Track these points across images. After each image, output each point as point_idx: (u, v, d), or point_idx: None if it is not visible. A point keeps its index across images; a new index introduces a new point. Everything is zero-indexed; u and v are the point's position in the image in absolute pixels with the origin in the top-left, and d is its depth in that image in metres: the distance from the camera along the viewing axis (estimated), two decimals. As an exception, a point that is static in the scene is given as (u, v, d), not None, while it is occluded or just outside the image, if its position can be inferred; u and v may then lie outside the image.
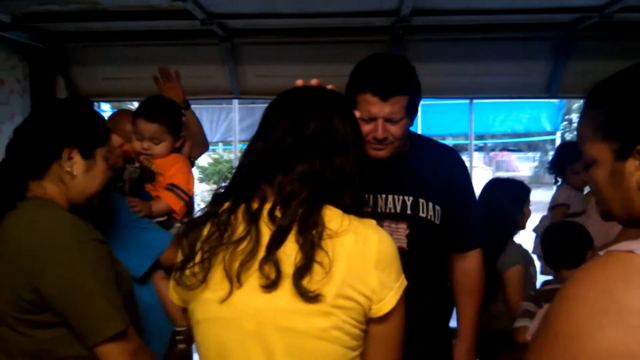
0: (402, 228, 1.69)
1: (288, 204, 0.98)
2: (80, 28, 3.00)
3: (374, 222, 1.03)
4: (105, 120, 1.44)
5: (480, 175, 14.10)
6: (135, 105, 5.00)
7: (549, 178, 3.45)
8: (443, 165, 1.73)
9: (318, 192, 0.99)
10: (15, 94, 3.12)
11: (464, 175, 1.79)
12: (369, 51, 3.22)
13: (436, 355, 1.80)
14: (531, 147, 17.87)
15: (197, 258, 1.01)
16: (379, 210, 1.69)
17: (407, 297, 1.67)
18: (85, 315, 1.15)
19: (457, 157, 1.84)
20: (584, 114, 0.88)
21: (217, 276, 0.99)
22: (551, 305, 0.74)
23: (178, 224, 1.84)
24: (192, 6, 2.43)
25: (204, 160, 12.01)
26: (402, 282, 1.03)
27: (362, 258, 0.98)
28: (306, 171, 1.00)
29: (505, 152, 19.16)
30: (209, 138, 2.36)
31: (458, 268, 1.81)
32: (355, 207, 1.02)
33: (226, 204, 1.03)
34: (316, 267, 0.93)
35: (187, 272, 1.01)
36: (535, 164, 17.59)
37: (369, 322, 1.00)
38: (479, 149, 19.43)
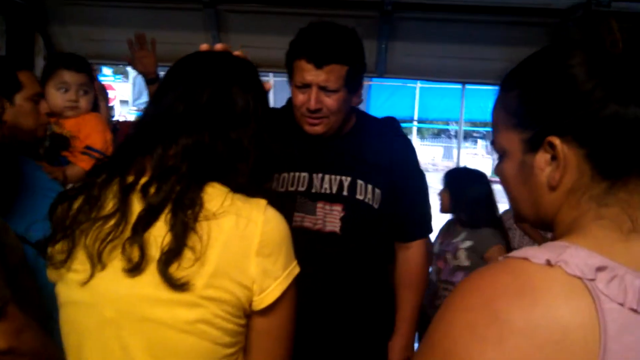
0: (337, 210, 1.60)
1: (165, 179, 0.88)
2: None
3: (263, 201, 0.93)
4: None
5: (484, 164, 13.98)
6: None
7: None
8: (386, 145, 1.62)
9: (202, 168, 0.90)
10: (-9, 51, 3.02)
11: (409, 159, 1.66)
12: (355, 26, 3.15)
13: (373, 351, 1.68)
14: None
15: (64, 234, 0.92)
16: (313, 190, 1.60)
17: (336, 285, 1.57)
18: None
19: (403, 138, 1.71)
20: (497, 98, 0.78)
21: (80, 255, 0.90)
22: (436, 313, 0.65)
23: None
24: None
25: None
26: (292, 270, 0.94)
27: (242, 243, 0.88)
28: (191, 144, 0.90)
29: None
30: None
31: (399, 259, 1.70)
32: (252, 186, 0.93)
33: (102, 177, 0.94)
34: (187, 252, 0.84)
35: (55, 248, 0.93)
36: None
37: (250, 315, 0.91)
38: (483, 136, 19.23)
